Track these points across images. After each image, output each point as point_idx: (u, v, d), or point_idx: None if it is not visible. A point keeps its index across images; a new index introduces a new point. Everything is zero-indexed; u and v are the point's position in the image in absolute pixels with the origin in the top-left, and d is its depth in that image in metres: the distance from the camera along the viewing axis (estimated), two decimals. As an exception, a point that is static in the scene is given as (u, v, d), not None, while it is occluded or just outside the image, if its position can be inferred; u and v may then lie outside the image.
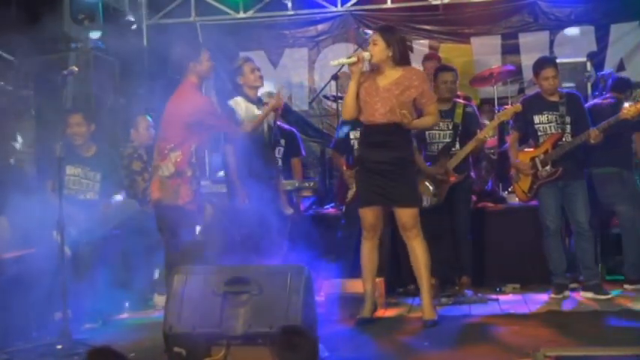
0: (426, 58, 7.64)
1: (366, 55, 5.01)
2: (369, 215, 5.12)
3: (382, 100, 4.99)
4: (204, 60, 5.27)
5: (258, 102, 5.63)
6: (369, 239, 5.17)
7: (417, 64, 8.17)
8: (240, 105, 5.46)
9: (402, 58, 5.05)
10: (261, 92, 6.71)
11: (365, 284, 5.20)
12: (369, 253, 5.18)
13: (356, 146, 6.16)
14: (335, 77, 7.40)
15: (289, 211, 5.82)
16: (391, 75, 5.03)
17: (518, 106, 5.93)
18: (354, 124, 6.28)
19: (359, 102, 5.05)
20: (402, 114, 4.87)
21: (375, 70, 5.06)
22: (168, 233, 5.11)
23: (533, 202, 6.01)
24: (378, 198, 5.06)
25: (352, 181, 5.96)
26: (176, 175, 4.97)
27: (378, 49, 4.98)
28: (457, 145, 6.08)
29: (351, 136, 6.36)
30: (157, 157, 5.14)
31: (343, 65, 5.29)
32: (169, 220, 5.08)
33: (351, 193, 6.18)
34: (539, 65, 5.84)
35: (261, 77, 5.67)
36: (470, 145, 5.99)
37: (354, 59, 5.00)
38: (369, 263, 5.18)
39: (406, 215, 5.04)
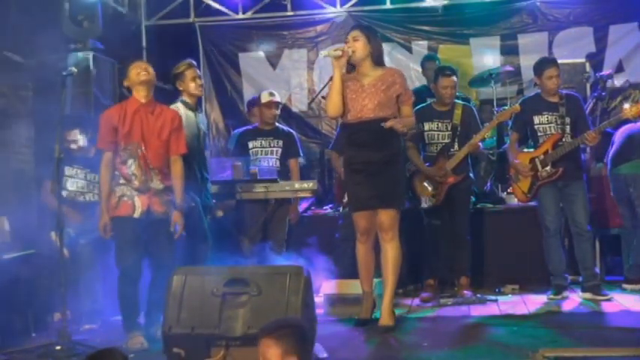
0: (426, 59, 7.63)
1: (349, 50, 4.98)
2: (362, 220, 5.09)
3: (369, 95, 4.97)
4: (131, 72, 5.01)
5: (197, 110, 5.51)
6: (363, 243, 5.14)
7: (417, 64, 8.21)
8: (180, 111, 5.27)
9: (379, 58, 5.08)
10: (264, 92, 6.74)
11: (363, 286, 5.20)
12: (365, 256, 5.15)
13: None
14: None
15: (219, 214, 5.79)
16: (373, 73, 5.03)
17: (517, 107, 5.94)
18: None
19: (345, 102, 5.00)
20: (388, 126, 4.87)
21: (354, 69, 5.05)
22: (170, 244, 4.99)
23: (532, 203, 6.02)
24: (369, 202, 5.02)
25: None
26: (165, 190, 4.95)
27: (360, 44, 4.98)
28: (456, 146, 6.07)
29: None
30: (137, 170, 4.97)
31: (329, 56, 5.19)
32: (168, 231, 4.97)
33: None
34: (543, 64, 5.84)
35: (201, 86, 5.52)
36: (469, 146, 5.99)
37: (339, 52, 4.99)
38: (366, 265, 5.17)
39: (385, 216, 5.00)
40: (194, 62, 5.55)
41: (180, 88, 5.43)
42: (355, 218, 5.13)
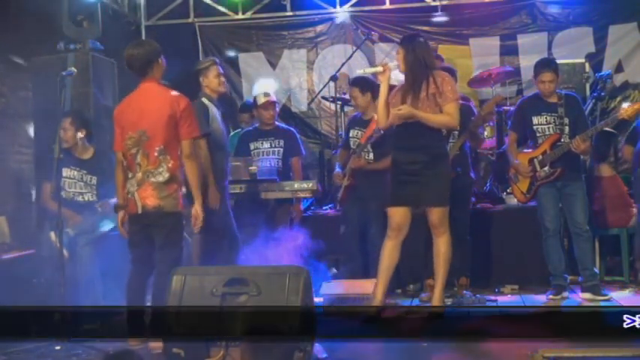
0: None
1: (392, 65, 5.21)
2: (396, 215, 5.17)
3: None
4: (162, 58, 4.90)
5: (218, 105, 5.51)
6: (392, 238, 5.19)
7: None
8: (208, 106, 5.36)
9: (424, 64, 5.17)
10: (259, 93, 6.75)
11: (377, 284, 5.19)
12: (389, 252, 5.18)
13: (353, 146, 6.25)
14: (334, 78, 7.41)
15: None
16: None
17: (499, 97, 5.96)
18: (355, 122, 6.34)
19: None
20: None
21: None
22: (166, 242, 4.71)
23: (532, 203, 6.02)
24: (409, 199, 5.14)
25: (338, 181, 6.22)
26: (171, 180, 4.70)
27: (400, 58, 5.15)
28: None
29: (351, 135, 6.39)
30: (143, 159, 4.75)
31: (368, 74, 5.57)
32: (171, 228, 4.74)
33: (340, 193, 6.23)
34: (538, 67, 5.84)
35: (225, 83, 5.58)
36: (456, 144, 5.98)
37: (379, 69, 5.23)
38: (388, 262, 5.18)
39: (435, 214, 5.14)
40: (217, 59, 5.65)
41: (204, 84, 5.45)
42: (390, 212, 5.20)
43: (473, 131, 6.07)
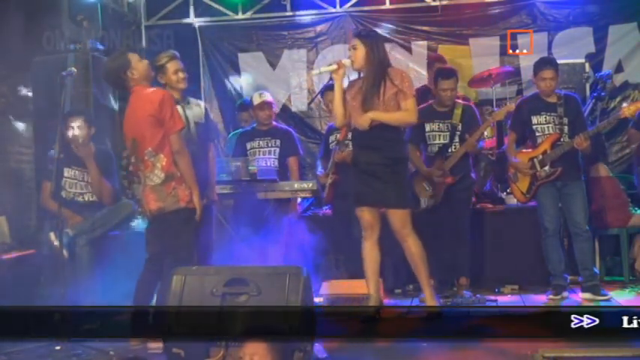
0: (432, 63, 7.55)
1: (346, 61, 5.07)
2: (365, 214, 5.14)
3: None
4: (136, 62, 4.74)
5: (183, 101, 5.27)
6: (367, 238, 5.17)
7: (417, 65, 8.21)
8: None
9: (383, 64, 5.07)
10: (255, 93, 6.75)
11: (368, 284, 5.19)
12: (369, 252, 5.17)
13: (333, 147, 6.31)
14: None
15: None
16: None
17: (512, 106, 5.95)
18: (334, 129, 6.37)
19: (348, 107, 5.12)
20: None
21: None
22: (175, 239, 4.73)
23: (532, 203, 6.02)
24: (370, 198, 5.09)
25: (322, 181, 6.28)
26: (168, 179, 4.69)
27: (359, 54, 5.03)
28: (457, 146, 6.07)
29: (330, 140, 6.42)
30: (139, 165, 4.76)
31: (322, 73, 5.40)
32: (179, 227, 4.73)
33: (326, 192, 6.32)
34: (539, 65, 5.85)
35: (184, 79, 5.20)
36: (465, 146, 5.99)
37: (333, 67, 5.09)
38: (371, 262, 5.17)
39: (395, 217, 5.07)
40: (177, 54, 5.31)
41: (162, 82, 5.19)
42: (359, 213, 5.18)
43: (477, 140, 6.07)
